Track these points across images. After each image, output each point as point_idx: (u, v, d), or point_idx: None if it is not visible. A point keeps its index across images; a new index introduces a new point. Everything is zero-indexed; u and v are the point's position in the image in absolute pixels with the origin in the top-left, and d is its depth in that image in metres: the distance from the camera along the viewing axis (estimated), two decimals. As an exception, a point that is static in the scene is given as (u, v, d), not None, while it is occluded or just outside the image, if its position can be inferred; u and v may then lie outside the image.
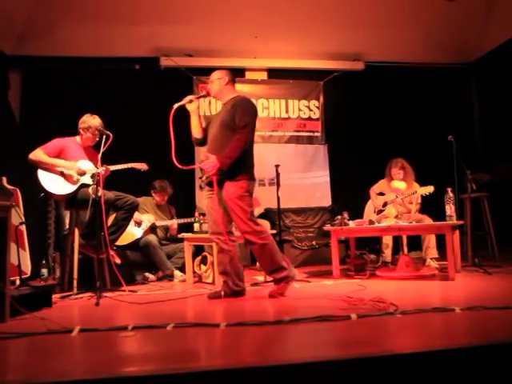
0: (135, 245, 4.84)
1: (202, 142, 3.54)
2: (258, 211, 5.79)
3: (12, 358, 2.05)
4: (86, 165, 4.06)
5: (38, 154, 3.93)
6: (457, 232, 4.43)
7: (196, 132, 3.52)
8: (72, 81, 6.08)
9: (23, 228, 4.56)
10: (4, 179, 4.31)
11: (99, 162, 3.73)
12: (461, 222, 4.37)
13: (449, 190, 4.17)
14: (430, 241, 4.81)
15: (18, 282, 4.15)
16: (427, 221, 4.65)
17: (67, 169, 3.95)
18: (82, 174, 4.02)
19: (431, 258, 4.80)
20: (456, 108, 7.00)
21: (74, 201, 4.00)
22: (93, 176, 3.93)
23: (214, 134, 3.38)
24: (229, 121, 3.32)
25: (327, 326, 2.28)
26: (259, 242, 3.24)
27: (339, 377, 1.67)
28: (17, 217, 4.05)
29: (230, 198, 3.26)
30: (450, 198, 4.12)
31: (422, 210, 4.95)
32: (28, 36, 5.76)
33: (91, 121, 4.09)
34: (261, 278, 4.42)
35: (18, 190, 4.60)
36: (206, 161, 3.26)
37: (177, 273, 4.73)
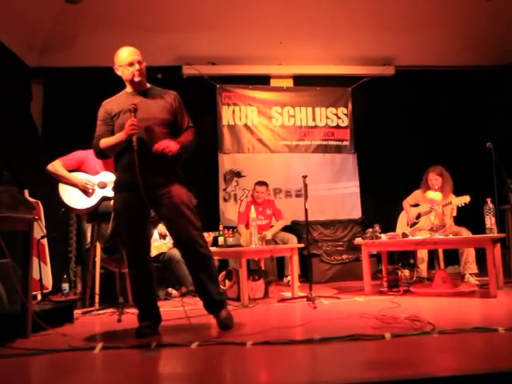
0: (157, 259, 4.75)
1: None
2: (281, 225, 5.58)
3: (34, 375, 2.07)
4: (107, 176, 4.01)
5: (55, 166, 3.94)
6: (498, 245, 4.21)
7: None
8: (93, 91, 6.04)
9: (45, 242, 4.55)
10: (26, 192, 4.32)
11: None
12: (502, 235, 4.20)
13: (488, 200, 4.03)
14: (469, 255, 4.59)
15: (39, 297, 4.12)
16: (465, 233, 4.45)
17: (79, 184, 3.92)
18: (104, 186, 3.97)
19: (470, 274, 4.59)
20: (494, 113, 6.68)
21: (95, 214, 3.97)
22: (114, 188, 3.88)
23: (147, 129, 2.76)
24: (165, 117, 2.89)
25: (359, 345, 2.22)
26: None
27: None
28: (39, 230, 4.03)
29: (186, 203, 2.78)
30: (489, 209, 3.97)
31: (460, 222, 4.73)
32: (50, 47, 5.82)
33: None
34: (288, 294, 4.28)
35: (40, 203, 4.60)
36: (163, 141, 2.69)
37: (201, 288, 4.60)
